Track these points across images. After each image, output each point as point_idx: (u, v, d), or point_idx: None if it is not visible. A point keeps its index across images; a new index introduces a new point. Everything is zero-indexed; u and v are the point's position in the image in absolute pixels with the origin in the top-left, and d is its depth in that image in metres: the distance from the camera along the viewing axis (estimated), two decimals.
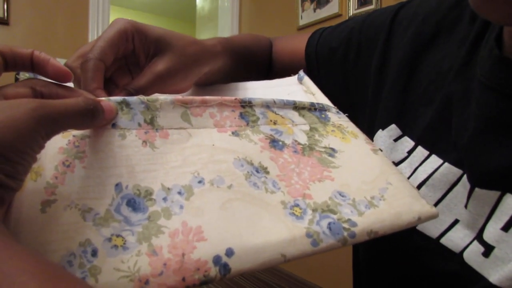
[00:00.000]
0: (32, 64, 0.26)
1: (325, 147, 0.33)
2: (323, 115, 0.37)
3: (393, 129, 0.43)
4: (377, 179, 0.31)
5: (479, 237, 0.33)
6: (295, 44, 0.57)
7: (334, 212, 0.27)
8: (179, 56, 0.36)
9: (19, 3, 1.76)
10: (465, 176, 0.35)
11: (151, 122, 0.28)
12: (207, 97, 0.31)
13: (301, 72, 0.45)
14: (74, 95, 0.27)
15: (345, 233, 0.26)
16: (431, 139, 0.39)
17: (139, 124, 0.27)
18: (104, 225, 0.22)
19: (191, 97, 0.30)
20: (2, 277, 0.14)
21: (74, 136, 0.25)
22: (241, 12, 2.33)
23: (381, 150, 0.36)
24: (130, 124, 0.27)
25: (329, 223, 0.27)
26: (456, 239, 0.35)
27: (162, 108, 0.29)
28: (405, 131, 0.42)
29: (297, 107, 0.35)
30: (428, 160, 0.39)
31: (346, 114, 0.39)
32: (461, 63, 0.38)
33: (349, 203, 0.29)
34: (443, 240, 0.36)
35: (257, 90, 0.43)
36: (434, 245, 0.36)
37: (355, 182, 0.31)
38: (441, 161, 0.37)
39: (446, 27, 0.42)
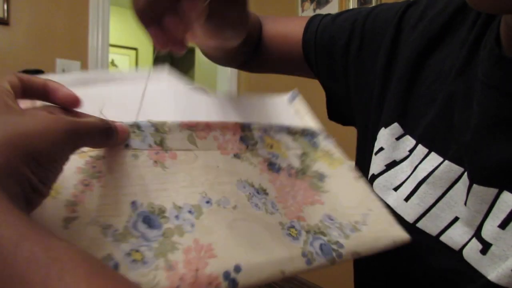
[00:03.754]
0: (44, 92, 0.27)
1: (315, 172, 0.36)
2: (313, 141, 0.40)
3: (395, 128, 0.43)
4: (359, 205, 0.35)
5: (477, 234, 0.33)
6: (289, 28, 0.55)
7: (325, 235, 0.31)
8: None
9: (19, 3, 1.75)
10: (465, 173, 0.35)
11: (161, 144, 0.30)
12: (211, 122, 0.33)
13: (293, 92, 0.45)
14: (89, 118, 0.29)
15: (334, 254, 0.30)
16: (431, 137, 0.40)
17: (150, 145, 0.29)
18: (123, 241, 0.24)
19: (196, 121, 0.32)
20: (52, 262, 0.15)
21: (90, 157, 0.27)
22: None
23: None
24: (141, 145, 0.29)
25: (321, 244, 0.30)
26: (456, 236, 0.35)
27: (170, 130, 0.31)
28: (407, 130, 0.43)
29: (290, 131, 0.39)
30: (428, 158, 0.39)
31: (333, 139, 0.42)
32: (462, 63, 0.39)
33: (337, 226, 0.32)
34: (442, 238, 0.36)
35: (251, 105, 0.42)
36: (434, 243, 0.37)
37: (341, 207, 0.34)
38: (441, 159, 0.38)
39: (451, 30, 0.42)
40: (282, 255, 0.28)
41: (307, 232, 0.30)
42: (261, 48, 0.56)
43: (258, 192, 0.31)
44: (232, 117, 0.40)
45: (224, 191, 0.30)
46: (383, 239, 0.33)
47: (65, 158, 0.22)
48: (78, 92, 0.33)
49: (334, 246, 0.30)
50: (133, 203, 0.26)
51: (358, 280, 0.51)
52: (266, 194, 0.32)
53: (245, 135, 0.35)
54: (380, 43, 0.48)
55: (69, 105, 0.28)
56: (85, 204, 0.25)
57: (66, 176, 0.25)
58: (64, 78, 0.33)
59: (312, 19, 0.55)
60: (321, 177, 0.36)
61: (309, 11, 1.82)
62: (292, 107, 0.45)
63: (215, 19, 0.36)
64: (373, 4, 1.53)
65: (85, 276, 0.15)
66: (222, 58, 0.55)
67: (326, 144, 0.41)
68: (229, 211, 0.28)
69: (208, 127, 0.33)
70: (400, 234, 0.34)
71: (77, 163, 0.26)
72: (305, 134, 0.40)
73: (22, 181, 0.19)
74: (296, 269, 0.28)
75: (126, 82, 0.38)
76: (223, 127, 0.34)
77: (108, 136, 0.26)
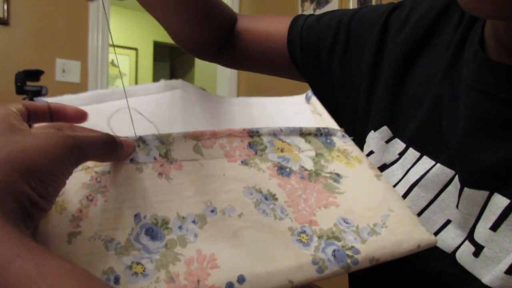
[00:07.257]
0: (50, 113, 0.29)
1: (330, 173, 0.35)
2: (328, 140, 0.38)
3: (384, 131, 0.43)
4: (379, 206, 0.33)
5: (470, 237, 0.33)
6: (273, 27, 0.55)
7: (339, 239, 0.29)
8: None
9: (19, 3, 1.76)
10: (456, 176, 0.35)
11: (166, 156, 0.30)
12: (217, 130, 0.33)
13: (309, 92, 0.46)
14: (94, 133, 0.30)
15: (349, 260, 0.28)
16: (422, 141, 0.40)
17: (155, 158, 0.29)
18: (125, 254, 0.24)
19: (202, 131, 0.32)
20: (42, 278, 0.16)
21: (96, 172, 0.28)
22: (241, 12, 2.34)
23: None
24: (146, 158, 0.29)
25: (334, 251, 0.28)
26: (448, 239, 0.35)
27: (175, 142, 0.31)
28: (396, 133, 0.43)
29: (303, 133, 0.37)
30: (420, 161, 0.39)
31: (352, 138, 0.40)
32: (447, 65, 0.39)
33: (353, 230, 0.30)
34: None
35: (265, 107, 0.44)
36: None
37: (359, 208, 0.32)
38: (433, 162, 0.38)
39: (436, 32, 0.42)
40: (290, 263, 0.26)
41: (319, 237, 0.29)
42: (238, 43, 0.56)
43: (266, 198, 0.30)
44: (245, 122, 0.39)
45: (230, 199, 0.29)
46: (405, 243, 0.30)
47: (67, 173, 0.23)
48: (90, 107, 0.34)
49: (349, 252, 0.28)
50: (136, 216, 0.26)
51: (352, 283, 0.51)
52: (275, 199, 0.31)
53: (254, 141, 0.34)
54: (364, 45, 0.47)
55: (76, 120, 0.30)
56: (89, 219, 0.25)
57: (72, 191, 0.26)
58: (80, 96, 0.35)
59: (296, 19, 0.54)
60: (337, 177, 0.34)
61: (309, 11, 1.82)
62: (309, 106, 0.44)
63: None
64: (373, 3, 1.53)
65: None
66: (194, 49, 0.56)
67: (343, 143, 0.39)
68: (234, 219, 0.28)
69: (214, 135, 0.33)
70: (425, 237, 0.31)
71: (83, 179, 0.27)
72: (320, 134, 0.38)
73: (21, 197, 0.19)
74: (305, 278, 0.26)
75: (140, 95, 0.38)
76: (229, 134, 0.33)
77: (112, 150, 0.26)
